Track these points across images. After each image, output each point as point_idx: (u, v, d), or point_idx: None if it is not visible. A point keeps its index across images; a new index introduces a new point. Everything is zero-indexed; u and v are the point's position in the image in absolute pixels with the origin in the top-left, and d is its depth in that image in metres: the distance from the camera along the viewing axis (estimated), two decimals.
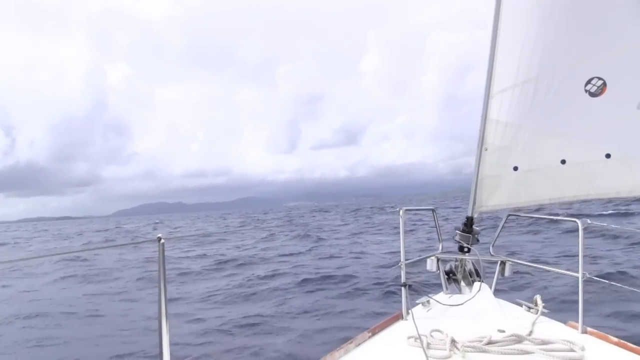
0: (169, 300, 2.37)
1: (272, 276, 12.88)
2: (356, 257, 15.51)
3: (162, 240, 2.29)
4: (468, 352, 2.78)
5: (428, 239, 17.28)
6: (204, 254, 19.24)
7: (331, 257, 16.17)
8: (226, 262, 16.53)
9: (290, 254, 17.67)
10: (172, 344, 2.32)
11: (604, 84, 3.91)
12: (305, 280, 11.79)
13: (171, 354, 2.30)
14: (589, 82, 3.96)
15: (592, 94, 3.96)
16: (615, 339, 2.96)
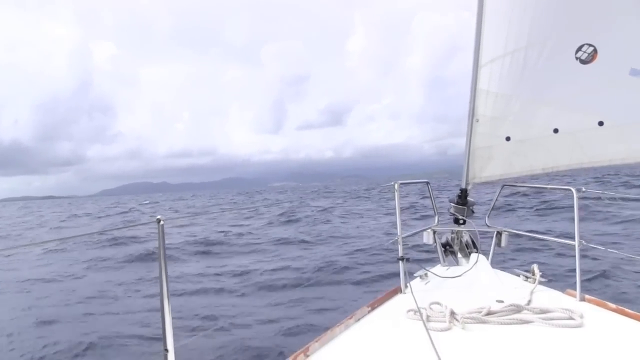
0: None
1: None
2: None
3: (162, 222, 2.28)
4: (468, 323, 2.79)
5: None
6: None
7: None
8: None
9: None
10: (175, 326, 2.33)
11: (595, 50, 3.88)
12: None
13: (174, 334, 2.30)
14: (579, 49, 3.93)
15: (583, 61, 3.93)
16: (614, 306, 2.98)
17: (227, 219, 23.20)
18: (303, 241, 15.11)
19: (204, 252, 14.03)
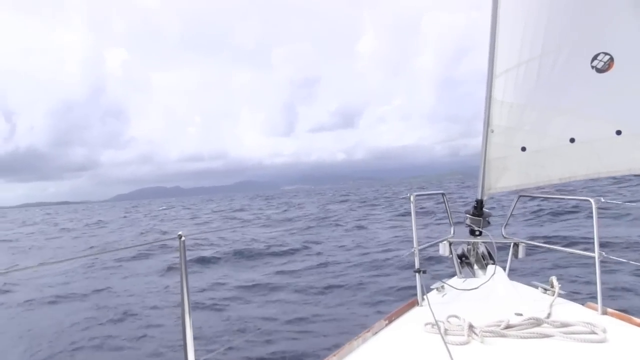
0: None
1: None
2: None
3: (183, 238, 2.32)
4: (487, 337, 2.75)
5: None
6: None
7: None
8: None
9: None
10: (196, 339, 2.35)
11: (611, 59, 3.84)
12: None
13: (195, 350, 2.32)
14: (595, 57, 3.89)
15: (599, 70, 3.89)
16: (638, 320, 2.90)
17: (277, 230, 22.15)
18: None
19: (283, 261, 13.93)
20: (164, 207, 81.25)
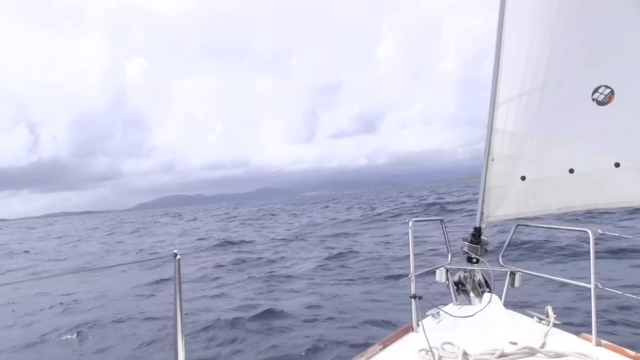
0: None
1: None
2: None
3: (178, 257, 2.33)
4: None
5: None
6: None
7: None
8: None
9: None
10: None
11: (612, 92, 3.89)
12: None
13: None
14: (596, 90, 3.95)
15: (600, 103, 3.94)
16: (633, 353, 2.90)
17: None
18: None
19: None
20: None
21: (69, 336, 8.90)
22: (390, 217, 31.90)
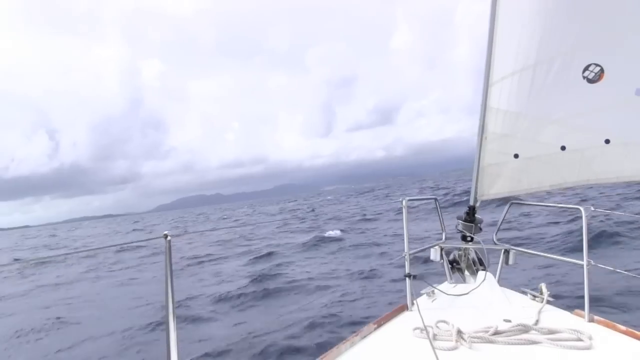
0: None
1: None
2: None
3: (169, 238, 2.31)
4: (474, 342, 2.79)
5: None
6: None
7: None
8: None
9: None
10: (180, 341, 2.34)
11: (602, 70, 3.91)
12: None
13: (178, 352, 2.31)
14: (586, 68, 3.96)
15: (590, 81, 3.96)
16: (624, 328, 2.95)
17: None
18: None
19: None
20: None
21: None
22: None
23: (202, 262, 16.87)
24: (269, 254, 16.59)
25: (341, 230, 21.86)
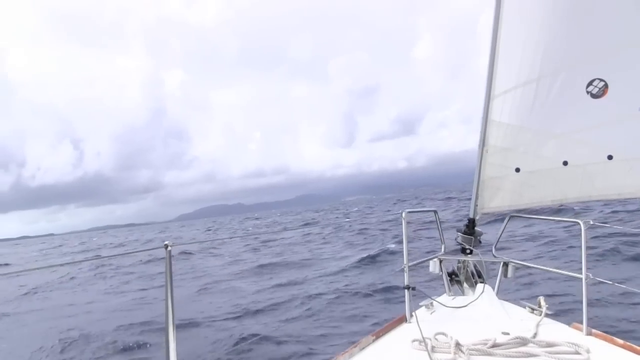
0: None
1: None
2: None
3: (169, 247, 2.32)
4: (473, 355, 2.79)
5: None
6: None
7: None
8: None
9: None
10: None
11: (606, 85, 3.91)
12: None
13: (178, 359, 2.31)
14: (590, 83, 3.97)
15: (594, 96, 3.96)
16: (621, 341, 2.95)
17: None
18: None
19: None
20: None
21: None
22: None
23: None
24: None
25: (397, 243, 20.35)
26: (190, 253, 22.97)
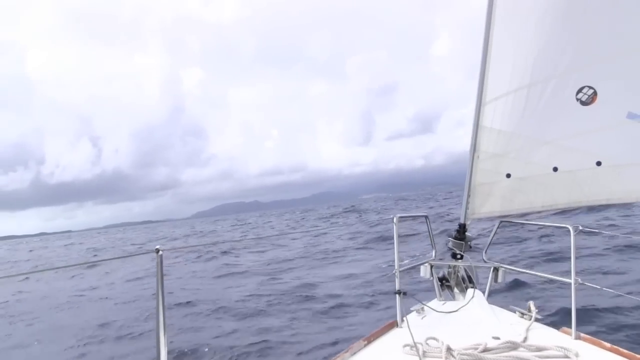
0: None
1: None
2: None
3: (161, 252, 2.31)
4: (464, 359, 2.80)
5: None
6: None
7: None
8: None
9: None
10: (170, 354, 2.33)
11: (595, 93, 3.97)
12: None
13: None
14: (580, 90, 4.02)
15: (583, 103, 4.02)
16: (609, 345, 3.00)
17: None
18: None
19: None
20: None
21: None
22: None
23: None
24: None
25: None
26: None
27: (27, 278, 18.07)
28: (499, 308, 3.93)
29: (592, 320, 6.78)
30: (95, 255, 27.06)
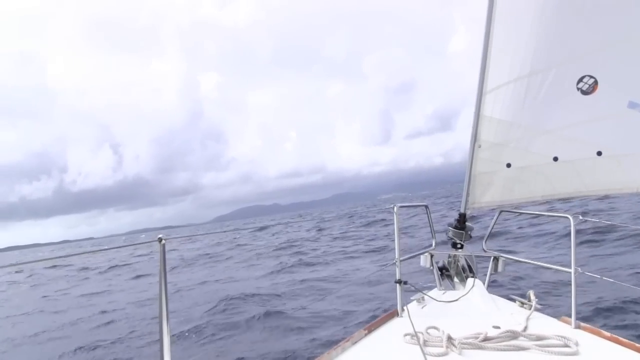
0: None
1: None
2: None
3: (163, 241, 2.31)
4: (465, 348, 2.82)
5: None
6: None
7: None
8: None
9: None
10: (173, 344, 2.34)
11: (595, 82, 3.96)
12: None
13: (172, 355, 2.31)
14: (580, 80, 4.01)
15: (584, 92, 4.01)
16: (608, 334, 3.01)
17: None
18: None
19: None
20: None
21: None
22: None
23: None
24: None
25: None
26: None
27: None
28: (499, 297, 3.95)
29: (591, 310, 6.81)
30: (115, 266, 27.04)
